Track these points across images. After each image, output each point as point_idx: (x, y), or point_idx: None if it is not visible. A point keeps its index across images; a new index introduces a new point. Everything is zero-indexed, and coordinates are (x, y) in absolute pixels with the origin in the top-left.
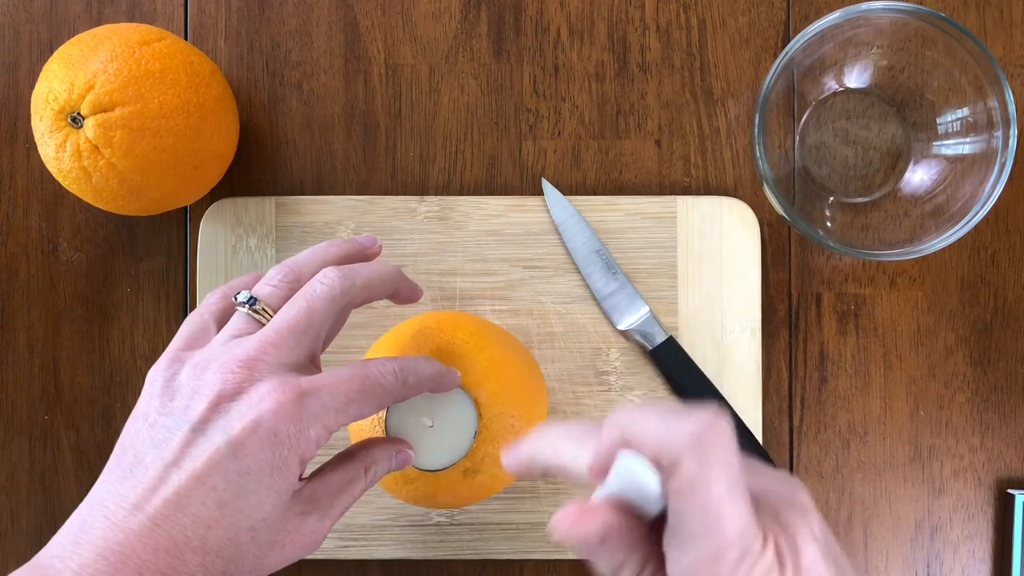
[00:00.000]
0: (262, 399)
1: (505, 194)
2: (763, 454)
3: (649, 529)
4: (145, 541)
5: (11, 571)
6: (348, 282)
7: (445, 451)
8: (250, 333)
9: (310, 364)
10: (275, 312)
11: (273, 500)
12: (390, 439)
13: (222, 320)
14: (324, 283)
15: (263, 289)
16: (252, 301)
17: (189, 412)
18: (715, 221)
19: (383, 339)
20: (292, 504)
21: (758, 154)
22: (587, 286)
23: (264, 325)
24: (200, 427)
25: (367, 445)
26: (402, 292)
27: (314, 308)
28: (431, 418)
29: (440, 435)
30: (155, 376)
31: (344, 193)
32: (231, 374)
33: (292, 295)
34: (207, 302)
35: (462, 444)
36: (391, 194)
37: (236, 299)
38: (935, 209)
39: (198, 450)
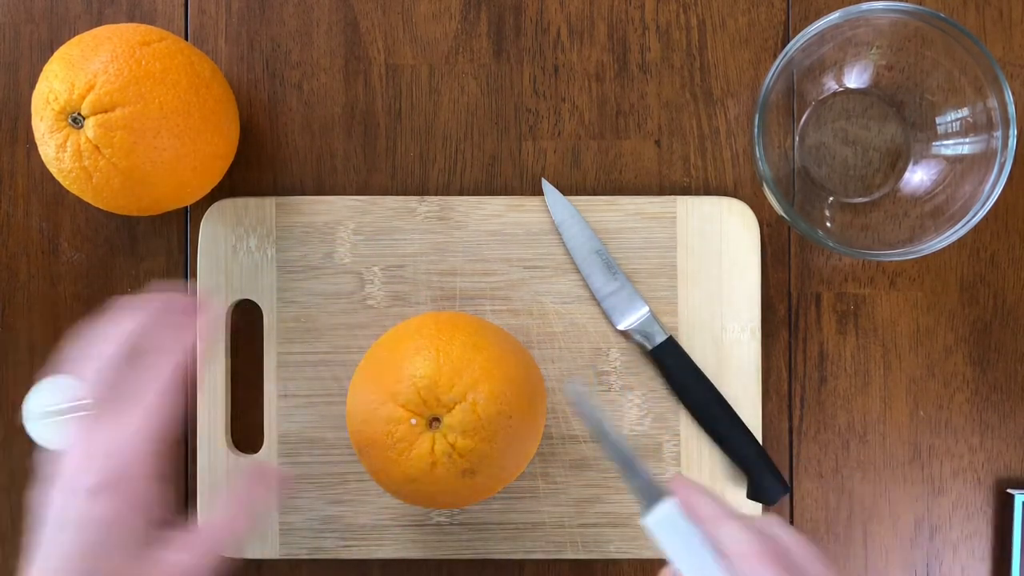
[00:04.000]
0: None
1: (505, 194)
2: (763, 454)
3: None
4: None
5: (10, 571)
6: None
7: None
8: None
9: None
10: None
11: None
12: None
13: None
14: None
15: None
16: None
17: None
18: (715, 221)
19: (383, 339)
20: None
21: (758, 154)
22: (587, 286)
23: None
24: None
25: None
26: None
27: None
28: (61, 409)
29: (67, 423)
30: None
31: (344, 193)
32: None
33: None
34: None
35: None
36: (391, 194)
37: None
38: (935, 209)
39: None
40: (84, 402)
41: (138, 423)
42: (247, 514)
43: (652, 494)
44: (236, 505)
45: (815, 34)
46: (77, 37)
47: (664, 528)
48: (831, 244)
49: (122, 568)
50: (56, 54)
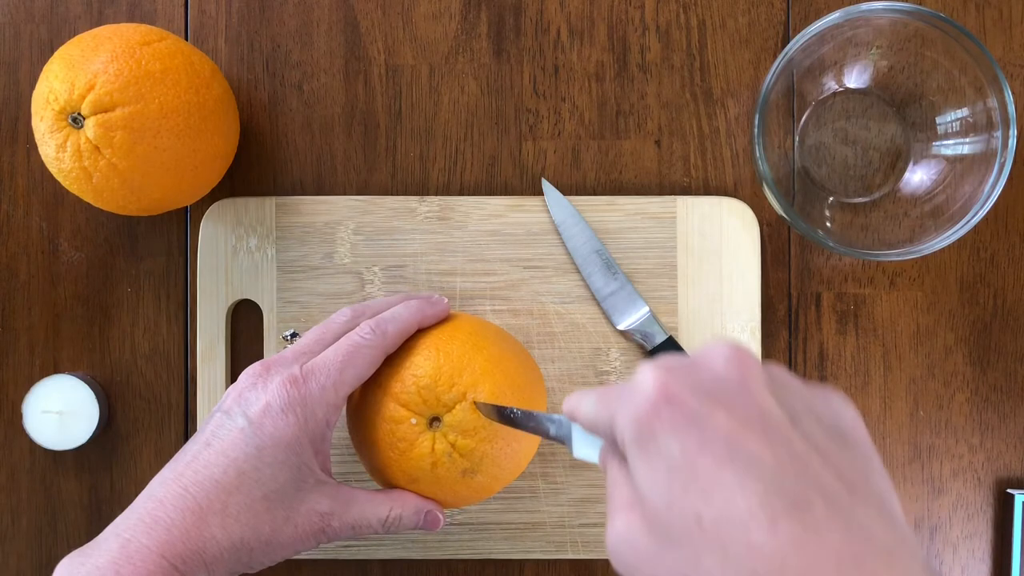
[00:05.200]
0: (270, 386)
1: (505, 194)
2: None
3: None
4: (175, 504)
5: (11, 571)
6: (379, 338)
7: (72, 436)
8: None
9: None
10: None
11: (286, 474)
12: (425, 498)
13: None
14: (361, 333)
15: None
16: (294, 335)
17: (222, 406)
18: (715, 221)
19: None
20: (310, 487)
21: (758, 154)
22: (587, 286)
23: None
24: (227, 412)
25: (404, 494)
26: (427, 321)
27: (352, 348)
28: (60, 408)
29: (66, 422)
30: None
31: (344, 193)
32: (252, 375)
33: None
34: None
35: (87, 429)
36: (391, 194)
37: (282, 335)
38: (935, 209)
39: (224, 430)
40: (294, 336)
41: (333, 375)
42: (402, 518)
43: (566, 431)
44: (407, 505)
45: (815, 34)
46: (77, 37)
47: (584, 450)
48: (831, 244)
49: (284, 486)
50: (56, 54)
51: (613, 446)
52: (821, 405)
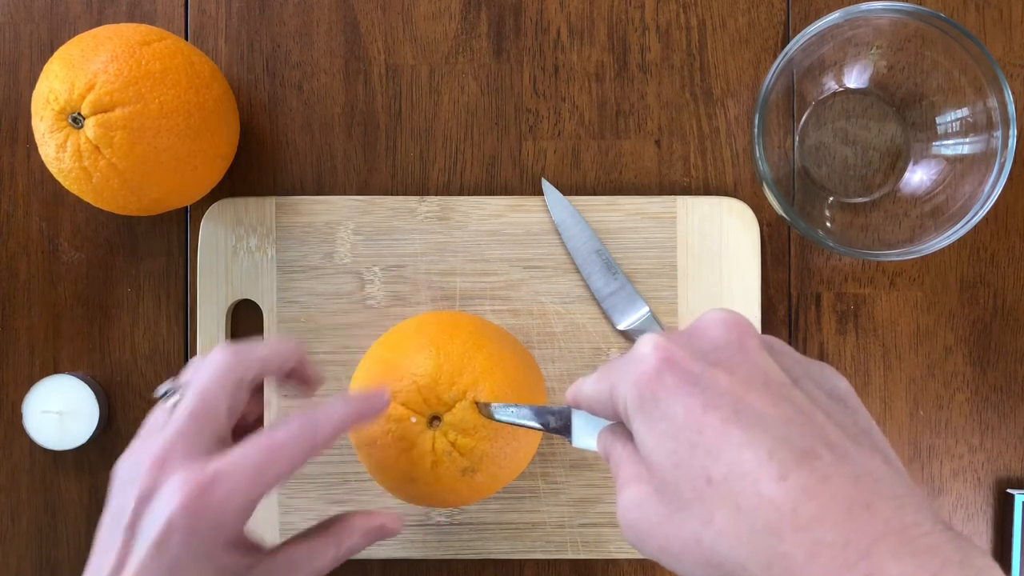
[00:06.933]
0: (171, 497)
1: (505, 194)
2: None
3: None
4: None
5: (11, 571)
6: (235, 359)
7: (72, 436)
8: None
9: (220, 444)
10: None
11: None
12: (370, 512)
13: None
14: (210, 364)
15: (185, 378)
16: (168, 394)
17: (121, 517)
18: (715, 221)
19: (384, 338)
20: None
21: (758, 154)
22: (587, 286)
23: None
24: (131, 530)
25: (344, 519)
26: (301, 372)
27: (205, 390)
28: (60, 408)
29: (66, 422)
30: (116, 468)
31: (344, 193)
32: (146, 475)
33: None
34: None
35: (87, 430)
36: (391, 194)
37: (154, 394)
38: (934, 209)
39: (134, 554)
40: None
41: (245, 482)
42: (351, 548)
43: (565, 421)
44: (353, 533)
45: (815, 34)
46: (77, 37)
47: (584, 439)
48: (831, 244)
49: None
50: (56, 54)
51: (615, 428)
52: (817, 373)
